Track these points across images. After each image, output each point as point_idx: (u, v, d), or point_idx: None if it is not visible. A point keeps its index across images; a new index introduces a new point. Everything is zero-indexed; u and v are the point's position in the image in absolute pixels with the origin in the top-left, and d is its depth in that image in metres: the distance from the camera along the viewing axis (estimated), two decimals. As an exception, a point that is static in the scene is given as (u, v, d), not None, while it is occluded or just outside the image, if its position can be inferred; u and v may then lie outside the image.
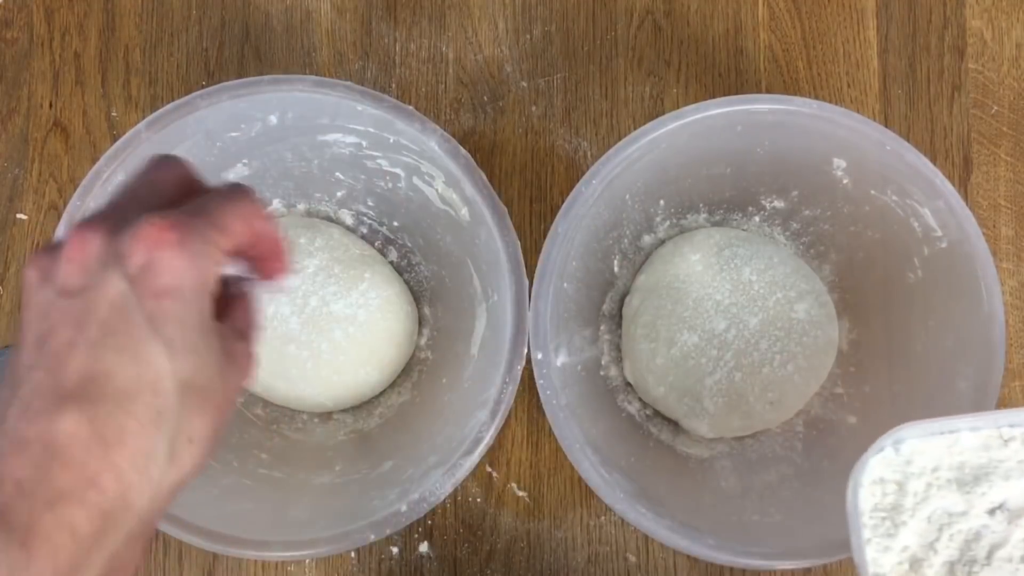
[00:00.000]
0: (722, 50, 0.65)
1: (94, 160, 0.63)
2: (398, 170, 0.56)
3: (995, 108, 0.65)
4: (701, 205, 0.61)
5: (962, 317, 0.52)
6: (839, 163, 0.55)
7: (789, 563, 0.49)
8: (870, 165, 0.54)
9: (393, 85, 0.65)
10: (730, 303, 0.56)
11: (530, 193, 0.64)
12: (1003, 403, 0.62)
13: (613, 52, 0.65)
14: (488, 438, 0.49)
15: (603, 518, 0.60)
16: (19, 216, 0.63)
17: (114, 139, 0.63)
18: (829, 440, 0.57)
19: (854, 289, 0.59)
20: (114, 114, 0.64)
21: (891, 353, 0.57)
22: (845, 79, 0.65)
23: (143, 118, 0.53)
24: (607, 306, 0.61)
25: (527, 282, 0.51)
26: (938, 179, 0.52)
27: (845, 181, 0.56)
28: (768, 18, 0.66)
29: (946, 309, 0.53)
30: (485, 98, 0.64)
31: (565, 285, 0.53)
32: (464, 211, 0.54)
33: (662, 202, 0.59)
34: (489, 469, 0.61)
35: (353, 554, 0.60)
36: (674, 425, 0.60)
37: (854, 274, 0.59)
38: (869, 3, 0.66)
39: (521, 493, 0.61)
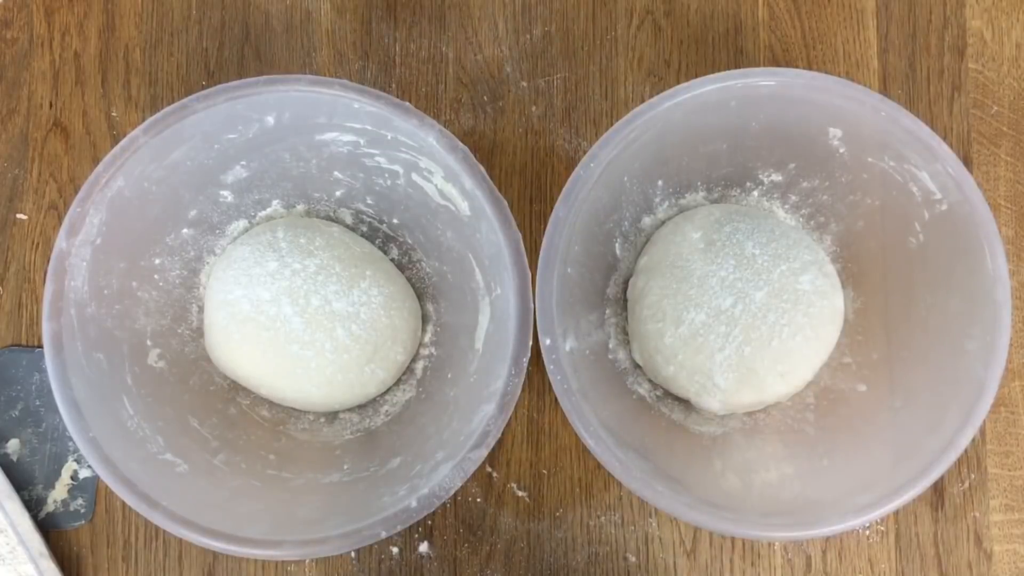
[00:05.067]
0: (722, 50, 0.65)
1: (94, 160, 0.63)
2: (396, 167, 0.56)
3: (995, 108, 0.65)
4: (699, 183, 0.61)
5: (966, 278, 0.52)
6: (835, 132, 0.55)
7: (808, 532, 0.49)
8: (866, 132, 0.53)
9: (393, 85, 0.65)
10: (735, 278, 0.55)
11: (530, 193, 0.64)
12: (1003, 402, 0.62)
13: (613, 52, 0.65)
14: (496, 431, 0.49)
15: (603, 518, 0.60)
16: (19, 216, 0.63)
17: (114, 139, 0.63)
18: (840, 409, 0.57)
19: (857, 258, 0.59)
20: (114, 114, 0.64)
21: (897, 319, 0.56)
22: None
23: (143, 118, 0.53)
24: (611, 290, 0.60)
25: (529, 274, 0.50)
26: (935, 142, 0.51)
27: (841, 150, 0.56)
28: (768, 18, 0.66)
29: (950, 271, 0.53)
30: (485, 98, 0.64)
31: (568, 270, 0.53)
32: (464, 205, 0.54)
33: (660, 182, 0.59)
34: (489, 469, 0.61)
35: (353, 554, 0.60)
36: (685, 404, 0.59)
37: (856, 243, 0.59)
38: (869, 3, 0.66)
39: (521, 493, 0.61)
